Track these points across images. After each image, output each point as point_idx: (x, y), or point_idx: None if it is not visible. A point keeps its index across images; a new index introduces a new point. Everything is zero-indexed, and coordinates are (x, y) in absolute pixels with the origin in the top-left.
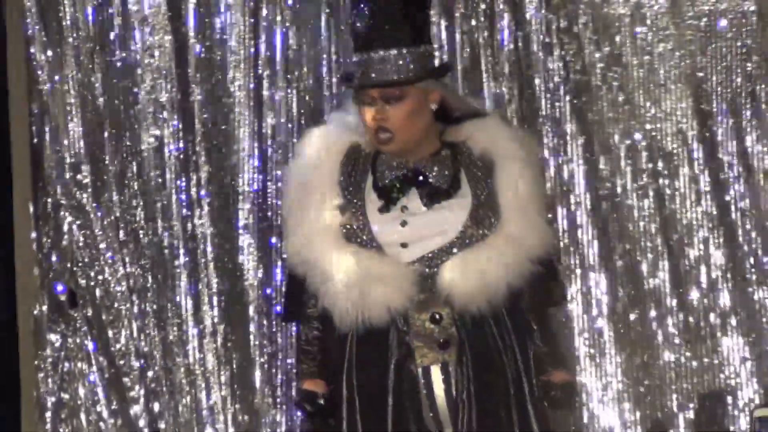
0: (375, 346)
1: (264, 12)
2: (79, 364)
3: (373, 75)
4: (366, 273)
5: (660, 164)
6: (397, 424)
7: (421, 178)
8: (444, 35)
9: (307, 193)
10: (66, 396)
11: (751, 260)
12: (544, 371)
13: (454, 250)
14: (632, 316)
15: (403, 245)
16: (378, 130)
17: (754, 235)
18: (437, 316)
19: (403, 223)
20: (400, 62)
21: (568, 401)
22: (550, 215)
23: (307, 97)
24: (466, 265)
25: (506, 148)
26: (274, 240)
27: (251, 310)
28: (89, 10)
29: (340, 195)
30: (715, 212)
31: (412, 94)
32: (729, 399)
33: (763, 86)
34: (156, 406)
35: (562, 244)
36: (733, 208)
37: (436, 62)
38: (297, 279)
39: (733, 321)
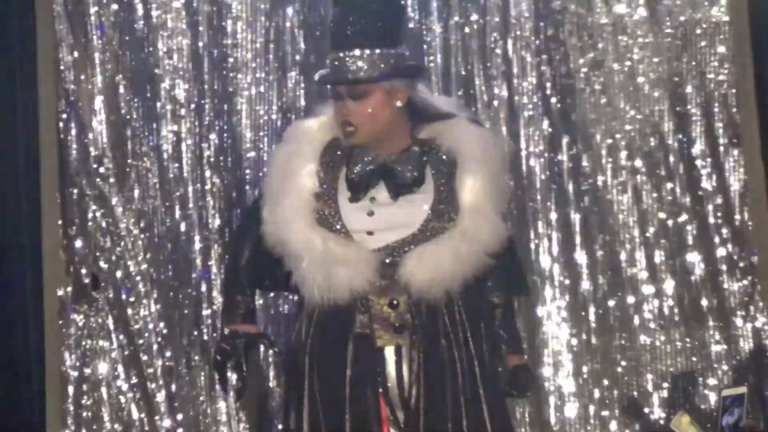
0: (337, 323)
1: (274, 15)
2: (100, 342)
3: (342, 73)
4: (332, 256)
5: (638, 162)
6: (354, 396)
7: (389, 171)
8: (439, 41)
9: (286, 178)
10: (88, 371)
11: (722, 251)
12: (501, 356)
13: (416, 242)
14: (611, 302)
15: (369, 233)
16: (343, 124)
17: (725, 231)
18: (395, 302)
19: (370, 213)
20: (367, 62)
21: (524, 384)
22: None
23: (314, 97)
24: (424, 257)
25: (469, 148)
26: None
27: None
28: (113, 14)
29: (316, 183)
30: (688, 206)
31: (376, 92)
32: (700, 380)
33: (733, 90)
34: (172, 382)
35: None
36: (705, 202)
37: (417, 65)
38: (261, 250)
39: (705, 308)
